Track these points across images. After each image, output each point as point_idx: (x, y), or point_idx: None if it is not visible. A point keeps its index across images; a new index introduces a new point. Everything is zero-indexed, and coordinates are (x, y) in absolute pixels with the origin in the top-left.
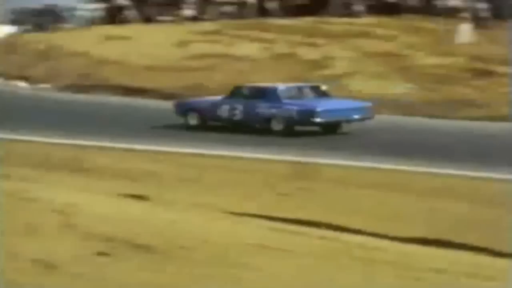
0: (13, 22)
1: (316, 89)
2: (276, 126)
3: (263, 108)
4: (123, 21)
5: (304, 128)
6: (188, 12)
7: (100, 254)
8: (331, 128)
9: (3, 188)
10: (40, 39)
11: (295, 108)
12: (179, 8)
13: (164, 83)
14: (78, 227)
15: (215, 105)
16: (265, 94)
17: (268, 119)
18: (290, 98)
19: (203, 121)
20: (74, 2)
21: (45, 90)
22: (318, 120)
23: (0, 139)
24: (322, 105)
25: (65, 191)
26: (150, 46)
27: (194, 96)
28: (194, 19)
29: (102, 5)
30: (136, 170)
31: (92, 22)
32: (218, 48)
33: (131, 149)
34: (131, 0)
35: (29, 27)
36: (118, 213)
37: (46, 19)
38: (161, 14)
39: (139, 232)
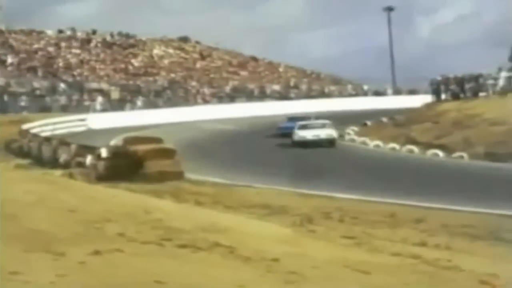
0: (432, 91)
1: None
2: None
3: None
4: None
5: None
6: None
7: None
8: None
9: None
10: (456, 108)
11: None
12: None
13: None
14: None
15: None
16: None
17: None
18: None
19: None
20: (493, 70)
21: (459, 158)
22: None
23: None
24: None
25: (486, 261)
26: None
27: None
28: None
29: None
30: None
31: (508, 90)
32: None
33: None
34: None
35: (447, 96)
36: None
37: (464, 88)
38: None
39: None
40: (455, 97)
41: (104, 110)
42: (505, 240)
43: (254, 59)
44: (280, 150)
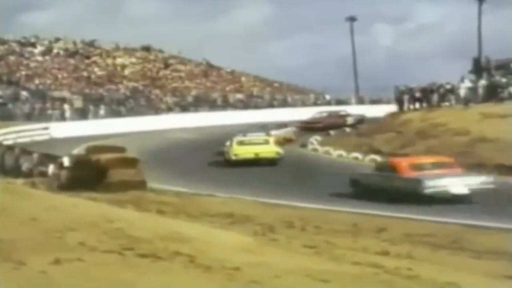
0: (395, 100)
1: None
2: None
3: None
4: (501, 99)
5: None
6: None
7: None
8: None
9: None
10: (420, 117)
11: None
12: None
13: None
14: None
15: None
16: None
17: None
18: None
19: None
20: (455, 81)
21: None
22: None
23: None
24: None
25: (447, 270)
26: None
27: None
28: None
29: (481, 83)
30: None
31: (471, 100)
32: None
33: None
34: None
35: (410, 105)
36: None
37: (428, 97)
38: None
39: None
40: (418, 106)
41: (70, 118)
42: (467, 249)
43: (217, 68)
44: None
